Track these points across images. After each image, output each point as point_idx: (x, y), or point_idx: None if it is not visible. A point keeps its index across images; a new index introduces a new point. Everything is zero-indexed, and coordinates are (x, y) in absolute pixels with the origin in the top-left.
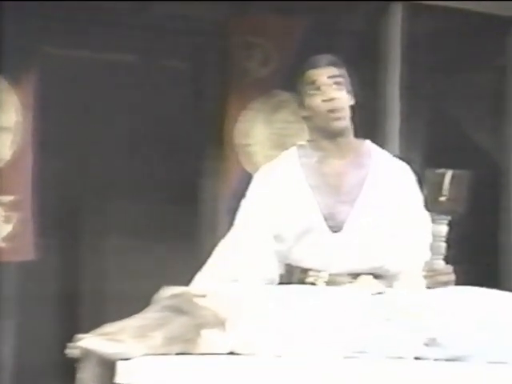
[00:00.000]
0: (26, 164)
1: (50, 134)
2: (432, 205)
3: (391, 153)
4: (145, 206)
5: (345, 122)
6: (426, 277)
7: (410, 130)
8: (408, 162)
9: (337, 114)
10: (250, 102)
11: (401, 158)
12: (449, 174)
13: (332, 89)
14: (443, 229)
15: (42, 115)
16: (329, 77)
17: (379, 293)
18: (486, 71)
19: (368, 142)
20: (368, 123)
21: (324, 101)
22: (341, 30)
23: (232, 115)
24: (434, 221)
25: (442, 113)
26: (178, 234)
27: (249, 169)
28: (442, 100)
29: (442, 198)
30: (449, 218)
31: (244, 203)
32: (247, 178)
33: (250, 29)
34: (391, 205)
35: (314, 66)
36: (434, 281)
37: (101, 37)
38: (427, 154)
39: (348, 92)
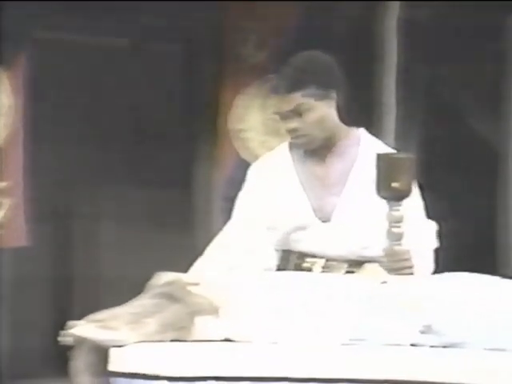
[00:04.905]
0: (18, 150)
1: (41, 119)
2: (385, 191)
3: (387, 142)
4: (138, 192)
5: (304, 139)
6: (386, 262)
7: (407, 119)
8: (405, 150)
9: (296, 138)
10: (245, 88)
11: (397, 147)
12: (401, 158)
13: (290, 119)
14: (399, 214)
15: (34, 100)
16: (287, 110)
17: (384, 282)
18: (484, 57)
19: (360, 130)
20: (363, 113)
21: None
22: (337, 15)
23: (226, 101)
24: (389, 208)
25: (439, 100)
26: (171, 220)
27: (243, 155)
28: (439, 87)
29: (395, 184)
30: (402, 203)
31: (240, 196)
32: (241, 164)
33: (244, 13)
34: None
35: (275, 93)
36: (394, 266)
37: (93, 21)
38: (424, 144)
39: (321, 99)
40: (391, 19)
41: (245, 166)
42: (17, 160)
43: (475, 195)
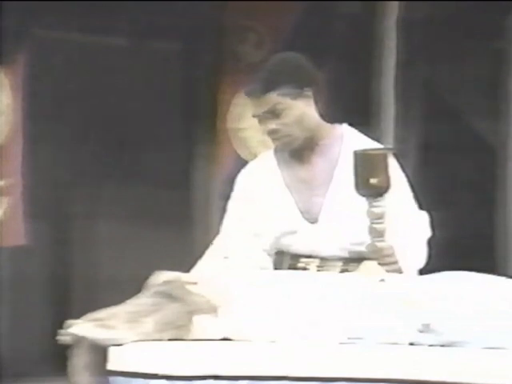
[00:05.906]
0: (17, 148)
1: (40, 118)
2: (364, 188)
3: (386, 139)
4: (137, 191)
5: (285, 140)
6: (371, 258)
7: (406, 118)
8: (404, 148)
9: (276, 139)
10: (244, 86)
11: (396, 144)
12: (377, 153)
13: (269, 121)
14: (380, 210)
15: (33, 99)
16: (264, 111)
17: (382, 279)
18: (483, 57)
19: (343, 126)
20: (362, 112)
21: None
22: (336, 13)
23: (225, 99)
24: (369, 204)
25: (438, 99)
26: (170, 219)
27: (242, 153)
28: (439, 87)
29: (374, 180)
30: (382, 199)
31: (229, 205)
32: (240, 163)
33: (243, 12)
34: None
35: (251, 96)
36: (378, 262)
37: (92, 19)
38: (423, 142)
39: (297, 97)
40: (390, 19)
41: (243, 164)
42: (15, 158)
43: (473, 194)
